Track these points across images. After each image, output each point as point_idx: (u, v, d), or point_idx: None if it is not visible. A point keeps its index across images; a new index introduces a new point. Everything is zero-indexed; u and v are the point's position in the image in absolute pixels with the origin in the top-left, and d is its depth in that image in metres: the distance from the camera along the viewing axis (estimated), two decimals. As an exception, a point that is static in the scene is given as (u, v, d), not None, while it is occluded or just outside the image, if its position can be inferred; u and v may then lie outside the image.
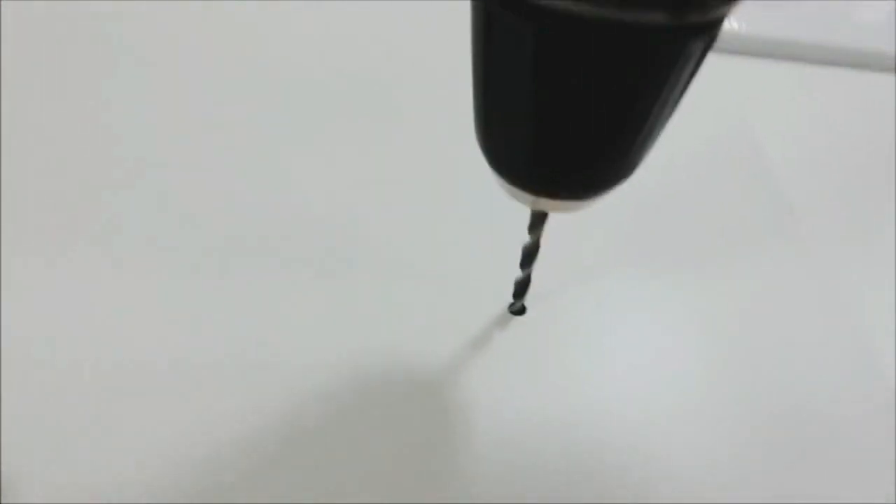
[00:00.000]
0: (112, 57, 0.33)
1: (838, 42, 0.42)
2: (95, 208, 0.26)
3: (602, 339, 0.26)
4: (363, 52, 0.36)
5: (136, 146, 0.29)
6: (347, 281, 0.26)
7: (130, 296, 0.24)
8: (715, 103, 0.37)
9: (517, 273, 0.24)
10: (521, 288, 0.24)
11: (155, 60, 0.33)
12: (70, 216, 0.26)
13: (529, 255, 0.22)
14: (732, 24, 0.42)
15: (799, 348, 0.26)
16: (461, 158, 0.30)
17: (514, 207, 0.20)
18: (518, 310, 0.26)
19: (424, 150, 0.31)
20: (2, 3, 0.34)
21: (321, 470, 0.21)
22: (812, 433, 0.24)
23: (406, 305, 0.25)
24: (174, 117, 0.31)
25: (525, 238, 0.22)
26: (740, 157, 0.34)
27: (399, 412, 0.22)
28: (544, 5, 0.11)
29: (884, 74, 0.42)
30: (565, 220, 0.21)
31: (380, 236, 0.27)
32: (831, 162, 0.36)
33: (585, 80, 0.13)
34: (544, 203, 0.18)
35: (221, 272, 0.25)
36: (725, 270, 0.29)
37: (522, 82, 0.13)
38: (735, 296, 0.28)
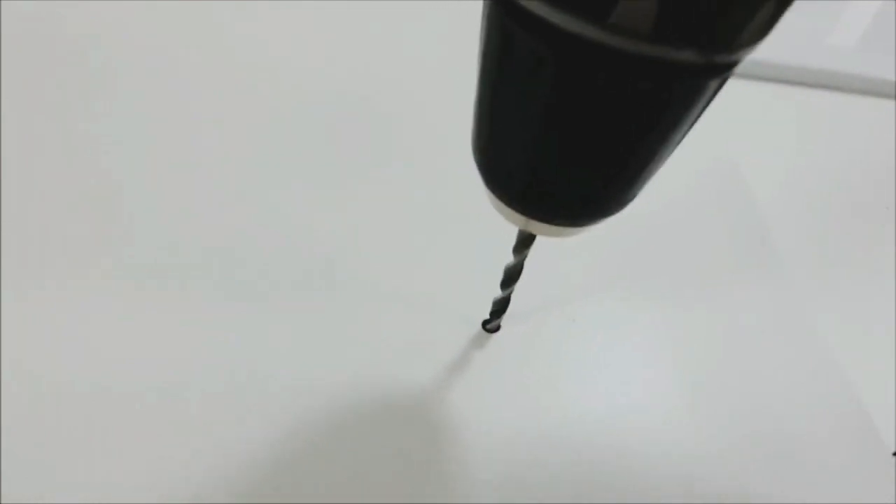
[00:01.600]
0: (103, 79, 0.32)
1: (811, 63, 0.43)
2: (87, 230, 0.26)
3: (580, 359, 0.26)
4: (344, 73, 0.35)
5: (127, 168, 0.28)
6: (323, 305, 0.25)
7: (119, 314, 0.23)
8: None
9: (495, 293, 0.23)
10: (500, 307, 0.24)
11: (145, 79, 0.32)
12: (61, 237, 0.25)
13: (512, 277, 0.22)
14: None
15: (772, 372, 0.27)
16: (441, 179, 0.30)
17: (492, 228, 0.19)
18: (493, 328, 0.25)
19: (404, 171, 0.31)
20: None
21: (302, 494, 0.20)
22: (785, 451, 0.24)
23: (380, 327, 0.25)
24: (162, 141, 0.30)
25: (504, 259, 0.21)
26: (719, 179, 0.35)
27: (379, 434, 0.22)
28: (572, 34, 0.11)
29: (855, 96, 0.43)
30: (548, 243, 0.21)
31: (355, 257, 0.27)
32: (804, 182, 0.36)
33: (601, 111, 0.13)
34: (535, 226, 0.18)
35: (193, 299, 0.24)
36: (702, 296, 0.29)
37: (534, 106, 0.13)
38: (710, 322, 0.28)
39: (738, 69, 0.40)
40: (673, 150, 0.15)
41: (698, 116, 0.14)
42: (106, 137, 0.29)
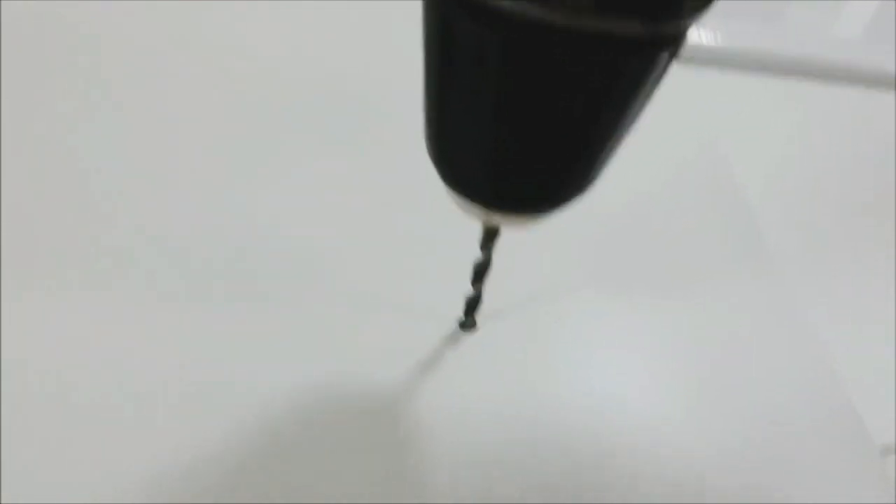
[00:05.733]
0: (101, 80, 0.32)
1: (813, 55, 0.42)
2: (74, 230, 0.26)
3: (556, 357, 0.25)
4: (316, 78, 0.35)
5: (104, 170, 0.28)
6: (297, 306, 0.25)
7: (95, 319, 0.23)
8: (688, 117, 0.36)
9: (468, 290, 0.23)
10: (472, 305, 0.24)
11: (132, 77, 0.32)
12: (44, 240, 0.25)
13: (481, 273, 0.22)
14: (703, 35, 0.41)
15: (761, 369, 0.26)
16: (408, 173, 0.29)
17: (462, 223, 0.19)
18: (469, 326, 0.25)
19: (370, 167, 0.30)
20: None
21: (279, 494, 0.20)
22: (773, 449, 0.24)
23: (355, 328, 0.24)
24: (152, 137, 0.30)
25: (476, 255, 0.21)
26: (707, 173, 0.34)
27: (353, 435, 0.22)
28: (514, 13, 0.11)
29: (857, 88, 0.42)
30: (520, 237, 0.20)
31: (325, 258, 0.26)
32: (796, 176, 0.36)
33: (550, 92, 0.12)
34: (497, 218, 0.17)
35: (168, 299, 0.24)
36: (689, 292, 0.28)
37: (482, 93, 0.13)
38: (698, 319, 0.27)
39: (741, 61, 0.39)
40: (629, 130, 0.14)
41: (651, 93, 0.13)
42: (97, 138, 0.29)
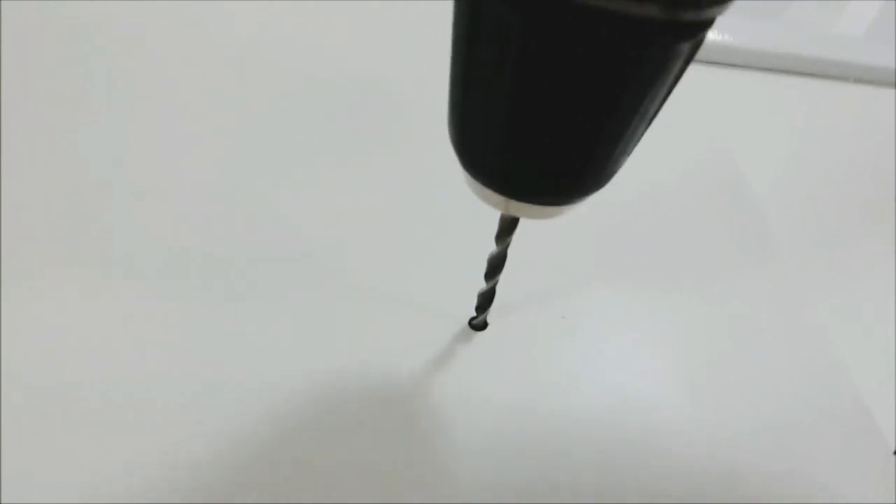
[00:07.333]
0: (92, 73, 0.32)
1: (816, 53, 0.42)
2: (76, 228, 0.25)
3: (567, 354, 0.25)
4: (326, 72, 0.35)
5: (116, 163, 0.28)
6: (308, 302, 0.25)
7: (110, 313, 0.23)
8: (693, 114, 0.36)
9: (480, 286, 0.23)
10: (485, 301, 0.23)
11: (134, 73, 0.32)
12: (44, 239, 0.25)
13: (495, 267, 0.21)
14: (711, 33, 0.41)
15: (770, 368, 0.26)
16: (421, 170, 0.30)
17: (476, 220, 0.19)
18: (479, 324, 0.25)
19: (384, 163, 0.30)
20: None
21: (289, 490, 0.20)
22: (783, 448, 0.24)
23: (367, 324, 0.24)
24: (153, 133, 0.29)
25: (489, 249, 0.21)
26: (713, 170, 0.34)
27: (363, 433, 0.21)
28: None
29: (859, 86, 0.42)
30: (533, 233, 0.20)
31: (337, 254, 0.26)
32: (801, 172, 0.36)
33: (570, 77, 0.12)
34: (515, 207, 0.17)
35: (183, 292, 0.24)
36: (698, 290, 0.28)
37: (504, 77, 0.13)
38: (707, 317, 0.27)
39: (744, 59, 0.39)
40: (649, 123, 0.14)
41: (673, 86, 0.13)
42: (98, 137, 0.29)
